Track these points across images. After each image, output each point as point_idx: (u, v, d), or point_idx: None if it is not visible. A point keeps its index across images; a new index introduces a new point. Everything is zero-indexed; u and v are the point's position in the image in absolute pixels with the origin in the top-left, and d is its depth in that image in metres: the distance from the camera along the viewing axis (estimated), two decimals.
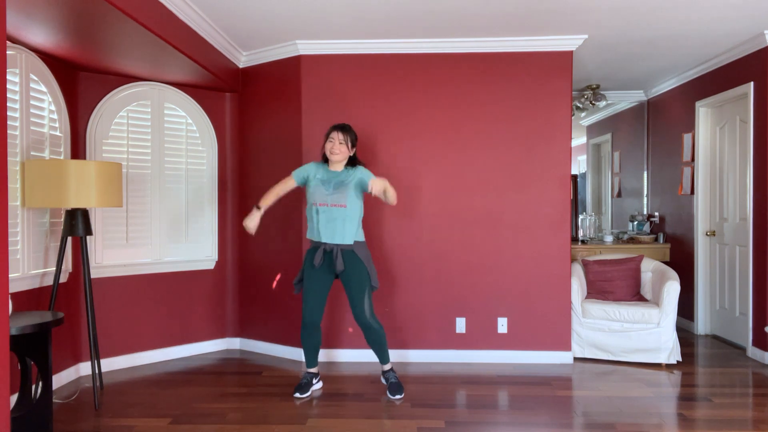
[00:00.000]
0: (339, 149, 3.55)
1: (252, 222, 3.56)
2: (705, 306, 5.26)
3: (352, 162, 3.63)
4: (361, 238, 3.63)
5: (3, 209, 1.97)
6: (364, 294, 3.56)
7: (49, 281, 3.67)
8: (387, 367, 3.73)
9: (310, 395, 3.69)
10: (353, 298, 3.56)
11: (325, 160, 3.66)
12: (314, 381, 3.76)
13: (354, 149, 3.63)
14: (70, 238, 3.91)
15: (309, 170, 3.65)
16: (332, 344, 4.45)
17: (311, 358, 3.74)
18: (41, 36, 3.21)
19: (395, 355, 4.41)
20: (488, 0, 3.50)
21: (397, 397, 3.59)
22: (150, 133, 4.33)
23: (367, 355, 4.42)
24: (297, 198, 4.42)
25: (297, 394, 3.65)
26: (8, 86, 3.25)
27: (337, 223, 3.52)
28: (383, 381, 3.79)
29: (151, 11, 3.10)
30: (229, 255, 4.81)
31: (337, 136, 3.56)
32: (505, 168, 4.36)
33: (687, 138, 5.37)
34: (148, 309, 4.38)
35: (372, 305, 3.62)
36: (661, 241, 5.77)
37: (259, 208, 3.59)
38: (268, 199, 3.63)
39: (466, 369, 4.21)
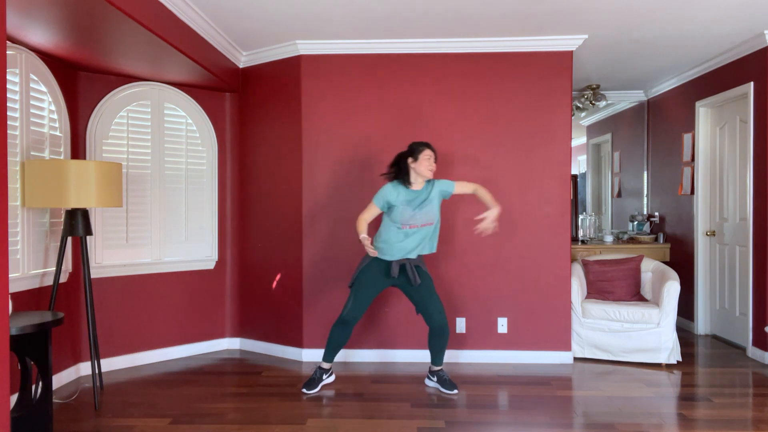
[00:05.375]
0: (434, 166, 3.60)
1: (371, 249, 3.50)
2: (705, 306, 5.26)
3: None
4: (435, 248, 3.75)
5: (3, 209, 1.97)
6: (437, 298, 3.70)
7: (49, 281, 3.67)
8: (438, 367, 3.81)
9: (319, 390, 3.71)
10: (434, 304, 3.66)
11: (406, 181, 3.60)
12: (325, 377, 3.81)
13: None
14: (70, 238, 3.91)
15: (390, 195, 3.58)
16: None
17: (331, 354, 3.77)
18: (41, 36, 3.21)
19: (395, 354, 4.41)
20: (488, 0, 3.50)
21: (455, 392, 3.68)
22: (150, 133, 4.33)
23: (368, 356, 4.42)
24: (297, 198, 4.42)
25: (305, 390, 3.69)
26: (8, 86, 3.25)
27: (426, 240, 3.64)
28: (430, 381, 3.84)
29: (151, 11, 3.10)
30: (229, 255, 4.81)
31: (433, 154, 3.59)
32: (505, 168, 4.36)
33: (687, 138, 5.37)
34: (148, 309, 4.38)
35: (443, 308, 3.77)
36: (661, 241, 5.77)
37: (361, 234, 3.54)
38: (363, 227, 3.59)
39: (466, 369, 4.21)
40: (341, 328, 3.68)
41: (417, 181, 3.62)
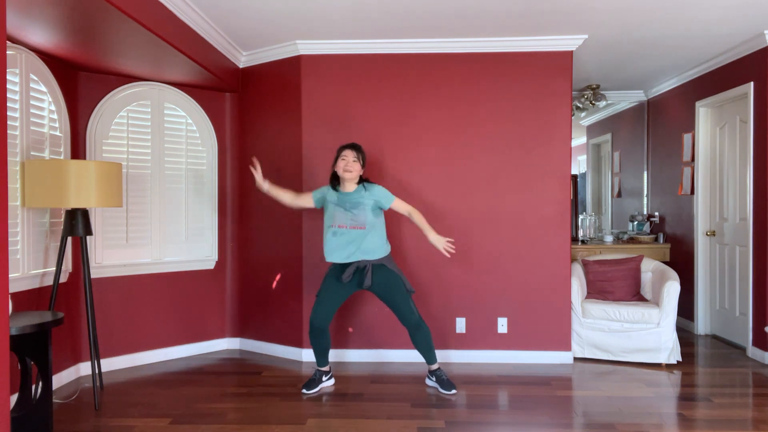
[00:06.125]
0: (353, 167, 3.60)
1: (259, 179, 3.72)
2: (705, 306, 5.26)
3: (362, 180, 3.70)
4: (388, 252, 3.70)
5: (3, 209, 1.97)
6: (407, 299, 3.66)
7: (49, 281, 3.67)
8: (434, 366, 3.79)
9: (318, 391, 3.72)
10: (398, 305, 3.65)
11: (334, 183, 3.70)
12: (324, 378, 3.81)
13: (364, 168, 3.69)
14: (70, 238, 3.91)
15: (324, 192, 3.72)
16: (333, 344, 4.45)
17: (320, 358, 3.79)
18: (41, 36, 3.21)
19: (395, 354, 4.41)
20: (488, 0, 3.50)
21: (453, 392, 3.67)
22: (150, 133, 4.33)
23: (368, 356, 4.42)
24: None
25: (304, 390, 3.69)
26: (8, 86, 3.25)
27: (356, 243, 3.59)
28: (430, 381, 3.83)
29: (151, 11, 3.10)
30: (229, 255, 4.81)
31: (350, 154, 3.62)
32: (506, 168, 4.36)
33: (687, 138, 5.37)
34: (148, 309, 4.38)
35: (416, 307, 3.72)
36: (661, 241, 5.77)
37: (265, 180, 3.73)
38: (278, 190, 3.76)
39: (466, 369, 4.21)
40: (314, 334, 3.70)
41: (344, 184, 3.66)
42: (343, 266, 3.65)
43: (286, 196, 3.77)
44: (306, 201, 3.78)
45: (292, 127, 4.45)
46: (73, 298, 3.99)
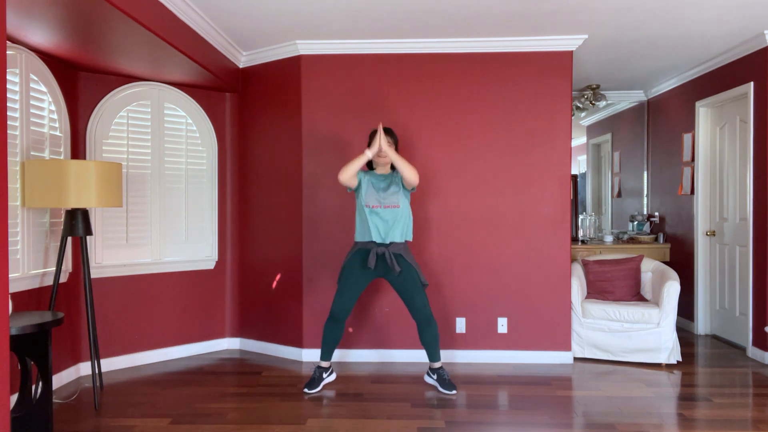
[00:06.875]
0: (384, 151, 3.62)
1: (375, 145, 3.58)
2: (705, 306, 5.26)
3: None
4: (411, 237, 3.76)
5: (3, 209, 1.97)
6: (422, 293, 3.70)
7: (49, 281, 3.67)
8: (438, 365, 3.80)
9: (320, 389, 3.73)
10: (412, 296, 3.68)
11: (369, 167, 3.79)
12: (325, 375, 3.82)
13: (397, 151, 3.73)
14: (70, 238, 3.91)
15: (361, 174, 3.72)
16: None
17: (327, 352, 3.80)
18: (41, 36, 3.21)
19: (394, 355, 4.41)
20: (488, 0, 3.50)
21: (453, 392, 3.67)
22: (150, 133, 4.33)
23: (369, 356, 4.42)
24: (297, 198, 4.42)
25: (306, 390, 3.70)
26: (8, 86, 3.25)
27: (390, 223, 3.66)
28: (429, 378, 3.84)
29: (151, 11, 3.10)
30: (229, 255, 4.81)
31: (384, 140, 3.62)
32: (505, 168, 4.36)
33: (687, 138, 5.37)
34: (148, 309, 4.38)
35: (428, 302, 3.75)
36: (661, 241, 5.77)
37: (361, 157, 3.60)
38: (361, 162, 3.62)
39: (466, 369, 4.21)
40: (332, 324, 3.74)
41: (379, 166, 3.74)
42: (364, 254, 3.68)
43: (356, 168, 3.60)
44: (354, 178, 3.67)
45: (292, 127, 4.45)
46: (73, 298, 3.99)
